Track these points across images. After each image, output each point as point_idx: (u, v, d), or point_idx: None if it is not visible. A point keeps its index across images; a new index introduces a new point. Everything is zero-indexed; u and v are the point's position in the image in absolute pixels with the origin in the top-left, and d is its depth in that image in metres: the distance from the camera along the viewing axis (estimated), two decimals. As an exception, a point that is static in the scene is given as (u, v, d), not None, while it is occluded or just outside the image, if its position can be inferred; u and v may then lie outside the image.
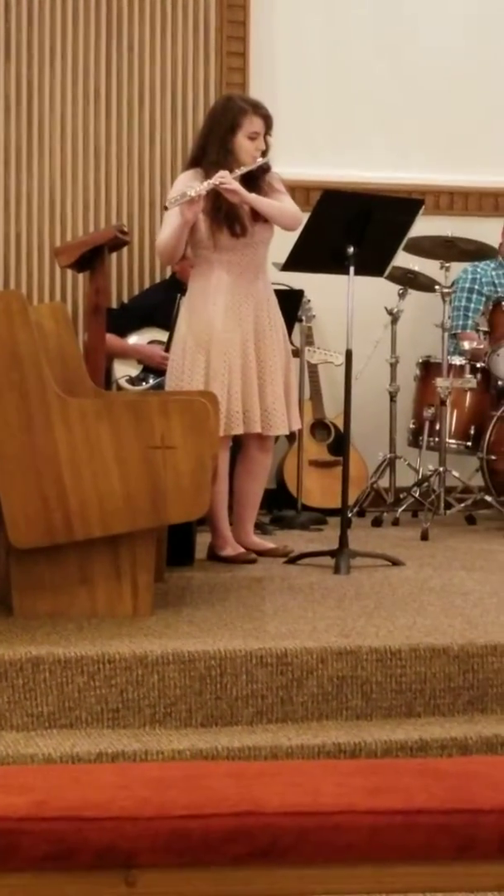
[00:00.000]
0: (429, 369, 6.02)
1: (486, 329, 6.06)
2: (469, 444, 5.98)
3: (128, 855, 1.95)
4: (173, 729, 3.30)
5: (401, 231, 4.83)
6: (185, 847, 1.95)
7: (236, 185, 4.67)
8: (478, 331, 6.25)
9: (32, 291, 6.29)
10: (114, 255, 5.88)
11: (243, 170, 4.72)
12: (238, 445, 4.99)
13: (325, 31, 6.61)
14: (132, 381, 5.94)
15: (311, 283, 5.86)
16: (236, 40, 6.48)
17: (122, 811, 1.97)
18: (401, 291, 6.09)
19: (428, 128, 6.63)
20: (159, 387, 5.59)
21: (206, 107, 6.14)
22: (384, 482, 6.21)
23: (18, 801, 1.98)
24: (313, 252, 4.75)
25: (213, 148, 4.79)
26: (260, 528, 5.46)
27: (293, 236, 4.79)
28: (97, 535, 3.72)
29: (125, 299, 6.36)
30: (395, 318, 6.12)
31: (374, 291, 5.73)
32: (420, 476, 5.99)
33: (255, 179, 4.79)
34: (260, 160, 4.76)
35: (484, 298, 6.33)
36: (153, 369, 5.91)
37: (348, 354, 4.72)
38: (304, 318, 6.05)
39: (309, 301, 6.11)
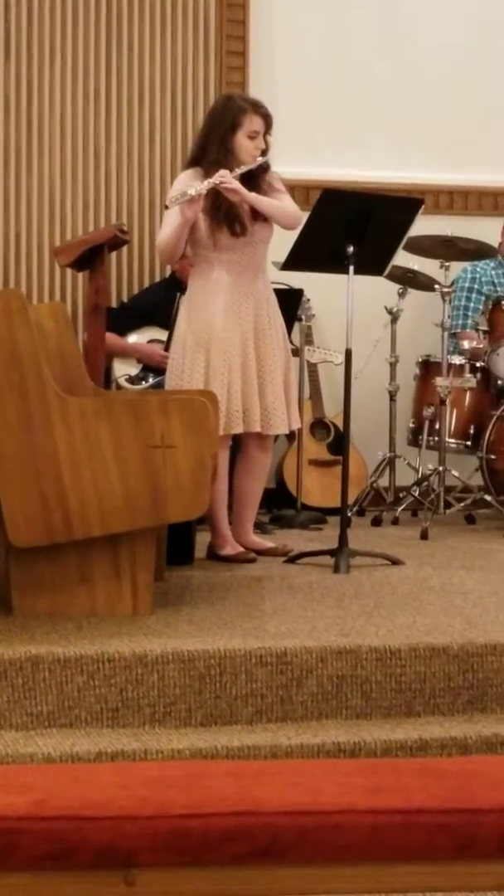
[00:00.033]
0: (428, 368, 6.01)
1: (485, 328, 6.07)
2: (469, 443, 5.98)
3: (127, 854, 1.95)
4: (173, 728, 3.30)
5: (400, 230, 4.83)
6: (184, 846, 1.95)
7: (237, 185, 4.67)
8: (477, 330, 6.25)
9: (32, 291, 6.29)
10: (113, 255, 5.88)
11: (243, 169, 4.72)
12: (238, 444, 4.99)
13: (324, 30, 6.61)
14: (132, 380, 5.94)
15: (311, 283, 5.86)
16: (236, 40, 6.48)
17: (121, 810, 1.97)
18: (400, 291, 6.09)
19: (428, 127, 6.63)
20: (159, 386, 5.59)
21: (205, 106, 6.14)
22: (384, 481, 6.21)
23: (18, 801, 1.98)
24: (313, 251, 4.75)
25: (213, 147, 4.79)
26: (259, 527, 5.46)
27: (293, 235, 4.79)
28: (97, 535, 3.72)
29: (125, 298, 6.36)
30: (394, 317, 6.12)
31: (374, 291, 5.73)
32: (420, 475, 5.99)
33: (255, 178, 4.79)
34: (260, 159, 4.76)
35: (483, 298, 6.33)
36: (153, 368, 5.91)
37: (348, 354, 4.72)
38: (303, 317, 6.04)
39: (308, 300, 6.10)
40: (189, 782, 2.08)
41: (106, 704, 3.30)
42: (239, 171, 4.71)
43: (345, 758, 3.15)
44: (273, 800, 2.00)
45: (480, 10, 6.74)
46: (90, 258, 4.71)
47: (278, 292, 5.07)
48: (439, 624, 3.68)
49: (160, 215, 5.81)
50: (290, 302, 5.59)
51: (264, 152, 4.80)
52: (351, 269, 4.66)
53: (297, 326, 5.94)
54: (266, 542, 5.06)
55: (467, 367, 5.93)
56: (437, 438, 5.85)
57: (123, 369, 5.97)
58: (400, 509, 5.94)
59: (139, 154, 6.41)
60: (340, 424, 5.15)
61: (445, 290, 5.80)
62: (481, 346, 6.06)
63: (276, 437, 5.13)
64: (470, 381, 5.84)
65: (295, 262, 4.86)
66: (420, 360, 6.10)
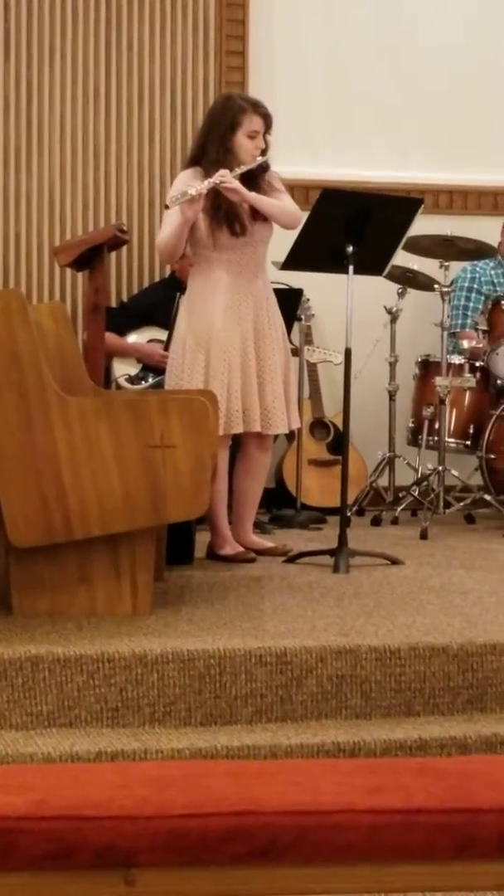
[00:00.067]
0: (428, 368, 6.01)
1: (485, 328, 6.07)
2: (468, 442, 5.98)
3: (127, 854, 1.95)
4: (173, 728, 3.30)
5: (400, 230, 4.83)
6: (184, 846, 1.95)
7: (237, 184, 4.68)
8: (477, 330, 6.25)
9: (32, 290, 6.29)
10: (113, 254, 5.88)
11: (243, 168, 4.72)
12: (237, 444, 4.99)
13: (324, 30, 6.61)
14: (131, 379, 5.94)
15: (311, 282, 5.86)
16: (236, 39, 6.48)
17: (121, 810, 1.97)
18: (400, 290, 6.09)
19: (428, 127, 6.63)
20: (158, 385, 5.59)
21: (205, 106, 6.14)
22: (383, 481, 6.21)
23: (18, 801, 1.98)
24: (313, 251, 4.75)
25: (212, 147, 4.79)
26: (259, 527, 5.46)
27: (292, 235, 4.79)
28: (96, 534, 3.72)
29: (124, 298, 6.36)
30: (394, 316, 6.12)
31: (374, 290, 5.72)
32: (419, 475, 5.99)
33: (255, 178, 4.79)
34: (259, 159, 4.76)
35: (483, 297, 6.33)
36: (152, 368, 5.91)
37: (347, 353, 4.72)
38: (303, 316, 6.04)
39: (308, 300, 6.10)
40: (189, 782, 2.08)
41: (106, 704, 3.30)
42: (239, 170, 4.71)
43: (344, 758, 3.15)
44: (273, 800, 2.00)
45: (480, 10, 6.74)
46: (90, 258, 4.71)
47: (278, 292, 5.07)
48: (439, 623, 3.68)
49: (160, 215, 5.81)
50: (290, 302, 5.59)
51: (264, 152, 4.80)
52: (350, 268, 4.66)
53: (296, 326, 5.94)
54: (266, 542, 5.06)
55: (467, 367, 5.92)
56: (436, 438, 5.85)
57: (123, 369, 5.97)
58: (399, 509, 5.94)
59: (139, 154, 6.41)
60: (340, 424, 5.15)
61: (445, 289, 5.80)
62: (481, 345, 6.06)
63: (276, 436, 5.14)
64: (469, 380, 5.84)
65: (294, 261, 4.86)
66: (419, 359, 6.10)
